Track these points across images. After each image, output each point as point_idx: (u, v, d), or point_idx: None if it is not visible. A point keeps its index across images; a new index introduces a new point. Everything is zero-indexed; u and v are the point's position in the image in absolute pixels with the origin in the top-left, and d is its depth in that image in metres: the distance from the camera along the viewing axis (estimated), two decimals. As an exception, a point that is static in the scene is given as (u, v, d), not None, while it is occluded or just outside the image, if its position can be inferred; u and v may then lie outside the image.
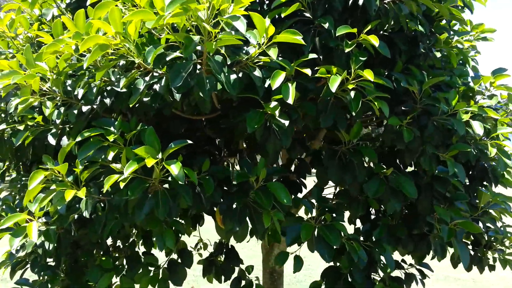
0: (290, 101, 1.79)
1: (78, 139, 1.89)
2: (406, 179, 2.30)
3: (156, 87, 1.83)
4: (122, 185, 1.68)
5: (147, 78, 1.81)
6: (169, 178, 1.83)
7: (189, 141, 1.80)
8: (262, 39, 1.70)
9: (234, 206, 2.09)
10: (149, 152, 1.69)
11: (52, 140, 2.29)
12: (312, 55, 1.86)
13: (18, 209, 2.42)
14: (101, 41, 1.68)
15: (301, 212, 2.38)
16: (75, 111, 2.03)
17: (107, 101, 1.99)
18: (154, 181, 1.87)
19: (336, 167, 2.27)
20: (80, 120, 2.11)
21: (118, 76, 1.98)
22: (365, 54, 1.93)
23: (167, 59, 1.74)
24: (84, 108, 2.05)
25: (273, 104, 1.87)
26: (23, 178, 2.74)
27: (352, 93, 1.88)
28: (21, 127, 2.34)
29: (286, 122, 1.87)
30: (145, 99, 1.94)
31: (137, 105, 2.20)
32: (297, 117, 2.02)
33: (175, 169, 1.67)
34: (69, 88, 2.11)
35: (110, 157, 1.80)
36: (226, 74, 1.58)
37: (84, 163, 1.98)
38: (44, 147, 2.65)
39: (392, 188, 2.32)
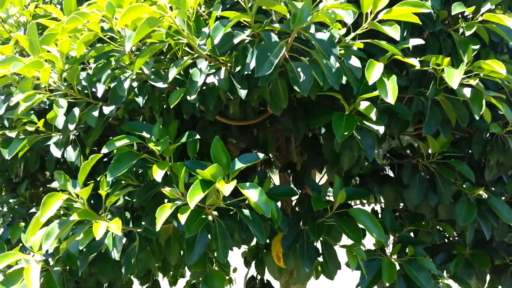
0: (391, 100, 1.36)
1: (105, 150, 1.40)
2: (500, 201, 1.90)
3: (214, 80, 1.36)
4: (182, 218, 1.20)
5: (202, 68, 1.34)
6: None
7: (261, 155, 1.33)
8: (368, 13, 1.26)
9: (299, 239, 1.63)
10: (217, 173, 1.22)
11: (56, 152, 1.78)
12: (416, 41, 1.44)
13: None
14: (149, 13, 1.20)
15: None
16: (95, 113, 1.54)
17: (140, 100, 1.50)
18: (209, 210, 1.40)
19: (418, 186, 1.84)
20: (99, 126, 1.61)
21: (152, 68, 1.51)
22: (476, 41, 1.52)
23: (235, 41, 1.28)
24: (107, 110, 1.56)
25: (364, 104, 1.44)
26: (11, 201, 2.20)
27: (468, 91, 1.46)
28: (13, 134, 1.82)
29: (381, 128, 1.44)
30: (189, 97, 1.47)
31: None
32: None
33: (254, 194, 1.20)
34: (83, 83, 1.61)
35: (158, 177, 1.31)
36: (334, 59, 1.12)
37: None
38: (37, 160, 2.13)
39: (480, 212, 1.91)
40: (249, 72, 1.38)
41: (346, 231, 1.48)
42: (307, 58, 1.28)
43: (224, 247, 1.43)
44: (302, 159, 2.35)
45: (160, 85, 1.45)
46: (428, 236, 2.11)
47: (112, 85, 1.58)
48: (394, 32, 1.18)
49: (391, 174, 2.18)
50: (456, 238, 2.30)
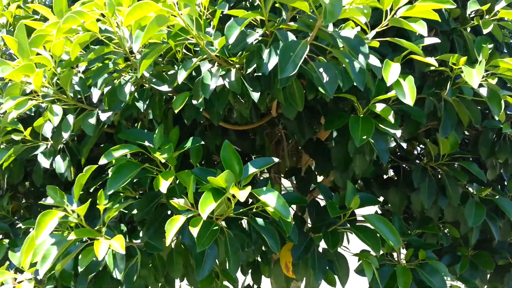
0: (410, 101, 1.30)
1: (103, 161, 1.29)
2: (508, 201, 1.88)
3: (225, 82, 1.27)
4: (194, 231, 1.10)
5: (213, 70, 1.25)
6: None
7: (275, 159, 1.26)
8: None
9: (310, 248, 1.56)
10: (230, 179, 1.13)
11: (45, 162, 1.65)
12: (431, 40, 1.39)
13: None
14: (156, 11, 1.11)
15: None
16: (92, 120, 1.42)
17: (140, 105, 1.40)
18: (218, 220, 1.31)
19: (428, 189, 1.80)
20: (95, 134, 1.50)
21: (152, 70, 1.41)
22: (489, 40, 1.49)
23: (249, 40, 1.19)
24: (104, 116, 1.45)
25: (380, 106, 1.38)
26: (-8, 216, 2.05)
27: (484, 90, 1.42)
28: (-4, 145, 1.68)
29: (398, 132, 1.39)
30: (194, 102, 1.38)
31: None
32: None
33: (271, 199, 1.13)
34: (76, 88, 1.50)
35: (163, 188, 1.22)
36: (363, 58, 1.05)
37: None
38: (21, 171, 1.99)
39: (488, 213, 1.89)
40: (263, 74, 1.30)
41: (365, 240, 1.42)
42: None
43: (236, 261, 1.34)
44: (299, 163, 2.28)
45: (164, 88, 1.36)
46: (434, 238, 2.08)
47: (106, 89, 1.47)
48: (421, 28, 1.12)
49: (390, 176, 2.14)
50: (457, 238, 2.28)
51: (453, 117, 1.50)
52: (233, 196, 1.18)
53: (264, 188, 1.16)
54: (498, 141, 1.83)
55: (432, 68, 1.48)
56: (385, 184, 2.01)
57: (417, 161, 1.93)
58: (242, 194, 1.07)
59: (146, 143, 1.40)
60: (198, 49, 1.47)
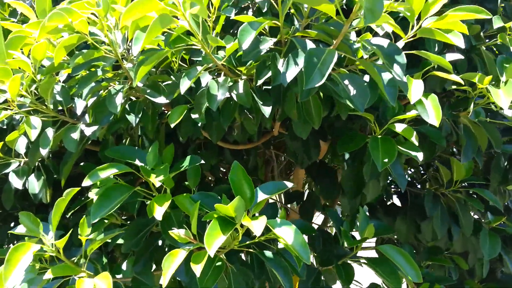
0: (435, 122, 1.18)
1: (87, 182, 1.12)
2: (522, 231, 1.78)
3: (232, 95, 1.13)
4: (196, 269, 0.94)
5: (219, 80, 1.11)
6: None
7: (289, 184, 1.11)
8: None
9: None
10: (240, 207, 0.98)
11: (16, 182, 1.46)
12: (454, 56, 1.29)
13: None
14: (158, 10, 0.96)
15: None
16: (75, 135, 1.25)
17: (132, 118, 1.24)
18: (219, 253, 1.14)
19: (441, 217, 1.69)
20: (77, 151, 1.33)
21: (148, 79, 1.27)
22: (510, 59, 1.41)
23: (262, 47, 1.06)
24: (89, 131, 1.28)
25: (400, 126, 1.26)
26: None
27: (509, 112, 1.32)
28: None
29: (420, 155, 1.27)
30: (194, 116, 1.23)
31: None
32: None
33: (288, 234, 0.98)
34: (58, 98, 1.33)
35: (158, 215, 1.05)
36: (400, 69, 0.93)
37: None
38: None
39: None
40: (274, 86, 1.17)
41: (383, 275, 1.27)
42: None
43: (240, 300, 1.18)
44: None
45: (160, 100, 1.20)
46: (441, 270, 1.96)
47: (90, 101, 1.31)
48: (457, 39, 1.01)
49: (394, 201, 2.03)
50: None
51: (474, 141, 1.40)
52: (241, 225, 1.03)
53: (279, 220, 1.01)
54: (511, 168, 1.75)
55: (453, 87, 1.38)
56: (391, 211, 1.89)
57: (421, 187, 1.82)
58: (257, 226, 0.92)
59: (137, 162, 1.24)
60: (197, 58, 1.33)
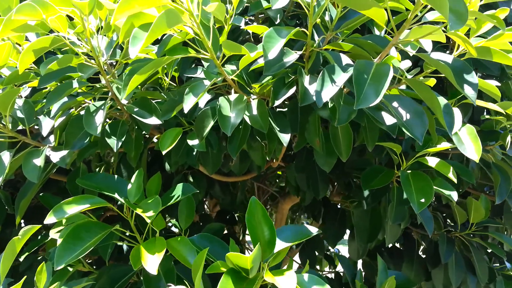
0: (475, 156, 1.03)
1: (50, 219, 0.88)
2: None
3: (245, 117, 0.93)
4: None
5: (231, 98, 0.91)
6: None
7: (313, 229, 0.91)
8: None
9: None
10: (257, 258, 0.77)
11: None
12: (493, 83, 1.15)
13: None
14: (160, 5, 0.77)
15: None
16: (38, 161, 1.01)
17: (113, 142, 1.01)
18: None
19: (456, 265, 1.52)
20: (39, 181, 1.07)
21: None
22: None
23: (286, 60, 0.88)
24: (56, 156, 1.04)
25: (433, 160, 1.10)
26: None
27: (548, 149, 1.20)
28: None
29: (455, 194, 1.11)
30: (192, 142, 1.02)
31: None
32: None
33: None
34: (19, 115, 1.09)
35: (150, 268, 0.82)
36: (473, 91, 0.77)
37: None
38: None
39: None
40: (294, 108, 0.99)
41: None
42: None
43: None
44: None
45: (152, 121, 0.99)
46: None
47: (59, 120, 1.08)
48: (520, 61, 0.87)
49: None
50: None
51: (508, 179, 1.26)
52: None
53: (306, 276, 0.81)
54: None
55: (487, 116, 1.25)
56: (396, 254, 1.72)
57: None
58: (286, 284, 0.71)
59: (116, 195, 1.01)
60: (192, 75, 1.14)
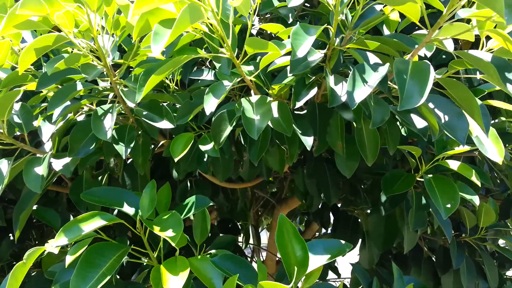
0: (498, 158, 0.99)
1: (62, 241, 0.81)
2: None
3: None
4: None
5: (252, 99, 0.86)
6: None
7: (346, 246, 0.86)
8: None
9: None
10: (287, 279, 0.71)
11: None
12: None
13: None
14: (178, 1, 0.71)
15: None
16: (40, 170, 0.94)
17: (121, 148, 0.95)
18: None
19: (467, 271, 1.50)
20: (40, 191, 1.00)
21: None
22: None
23: (310, 59, 0.83)
24: (59, 164, 0.97)
25: (455, 163, 1.07)
26: None
27: None
28: None
29: (476, 199, 1.08)
30: (202, 147, 0.97)
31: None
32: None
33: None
34: (16, 120, 1.01)
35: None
36: None
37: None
38: None
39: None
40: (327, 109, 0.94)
41: None
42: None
43: None
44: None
45: (164, 125, 0.93)
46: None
47: (54, 125, 1.01)
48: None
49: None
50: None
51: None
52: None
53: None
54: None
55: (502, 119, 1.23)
56: (403, 260, 1.68)
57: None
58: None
59: (126, 209, 0.94)
60: (199, 77, 1.09)
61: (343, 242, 0.83)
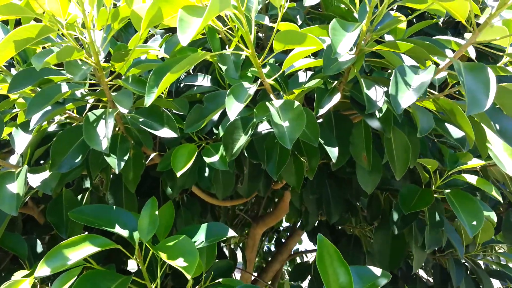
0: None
1: (43, 270, 0.67)
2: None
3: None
4: None
5: (275, 103, 0.76)
6: None
7: (376, 270, 0.77)
8: None
9: None
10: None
11: None
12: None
13: None
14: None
15: None
16: (14, 188, 0.78)
17: (113, 162, 0.81)
18: None
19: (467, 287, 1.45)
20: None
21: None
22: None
23: (342, 60, 0.75)
24: (36, 180, 0.82)
25: (472, 177, 1.02)
26: None
27: None
28: None
29: (494, 215, 1.03)
30: (208, 160, 0.86)
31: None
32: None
33: None
34: (-17, 127, 0.85)
35: None
36: None
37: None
38: None
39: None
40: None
41: None
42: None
43: None
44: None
45: (164, 133, 0.81)
46: None
47: (30, 135, 0.87)
48: None
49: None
50: None
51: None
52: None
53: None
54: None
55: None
56: (395, 280, 1.62)
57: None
58: None
59: (119, 230, 0.80)
60: (192, 83, 0.99)
61: (376, 270, 0.74)
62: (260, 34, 1.10)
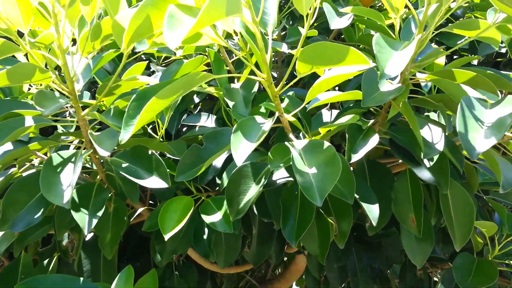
0: None
1: None
2: None
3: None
4: None
5: (297, 145, 0.58)
6: None
7: None
8: None
9: None
10: None
11: None
12: None
13: None
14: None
15: None
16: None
17: (83, 218, 0.63)
18: None
19: None
20: None
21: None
22: None
23: (383, 90, 0.58)
24: None
25: None
26: None
27: None
28: None
29: None
30: (208, 218, 0.66)
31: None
32: None
33: None
34: None
35: None
36: None
37: None
38: None
39: None
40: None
41: None
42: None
43: None
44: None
45: (152, 183, 0.63)
46: None
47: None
48: None
49: None
50: None
51: None
52: None
53: None
54: None
55: None
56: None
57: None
58: None
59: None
60: (203, 120, 0.82)
61: None
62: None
